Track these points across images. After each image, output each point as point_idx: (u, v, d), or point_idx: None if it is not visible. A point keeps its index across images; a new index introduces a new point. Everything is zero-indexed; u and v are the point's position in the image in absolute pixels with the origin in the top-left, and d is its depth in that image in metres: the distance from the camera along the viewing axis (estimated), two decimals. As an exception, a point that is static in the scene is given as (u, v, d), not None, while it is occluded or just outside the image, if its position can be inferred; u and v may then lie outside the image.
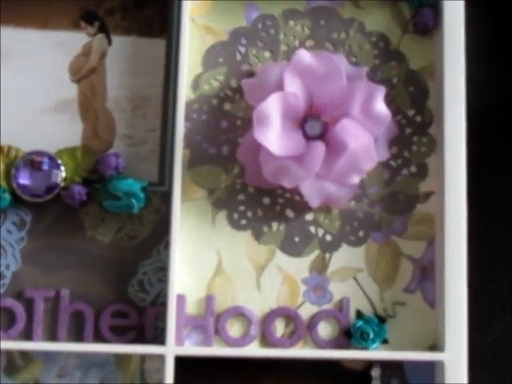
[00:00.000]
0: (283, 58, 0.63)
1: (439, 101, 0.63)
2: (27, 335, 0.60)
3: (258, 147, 0.59)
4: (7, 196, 0.60)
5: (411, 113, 0.63)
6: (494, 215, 0.71)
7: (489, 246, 0.70)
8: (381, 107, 0.59)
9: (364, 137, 0.59)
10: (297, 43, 0.64)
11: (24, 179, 0.60)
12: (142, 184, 0.60)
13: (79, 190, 0.60)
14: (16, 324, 0.60)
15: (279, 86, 0.60)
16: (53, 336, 0.60)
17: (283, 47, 0.64)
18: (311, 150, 0.59)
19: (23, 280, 0.61)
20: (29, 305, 0.60)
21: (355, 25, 0.64)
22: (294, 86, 0.60)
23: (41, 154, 0.60)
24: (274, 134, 0.58)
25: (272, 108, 0.58)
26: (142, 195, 0.60)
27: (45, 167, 0.60)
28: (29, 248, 0.61)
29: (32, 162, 0.60)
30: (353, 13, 0.64)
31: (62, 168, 0.60)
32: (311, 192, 0.60)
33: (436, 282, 0.61)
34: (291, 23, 0.64)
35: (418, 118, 0.63)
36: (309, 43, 0.64)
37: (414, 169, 0.63)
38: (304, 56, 0.60)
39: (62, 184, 0.60)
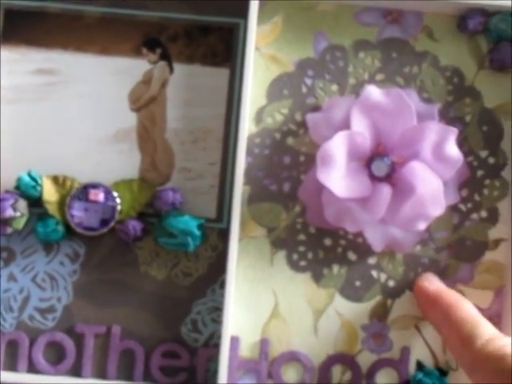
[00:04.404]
0: (351, 92, 0.60)
1: (515, 142, 0.60)
2: (76, 371, 0.58)
3: (320, 187, 0.56)
4: (61, 228, 0.58)
5: (484, 154, 0.60)
6: None
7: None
8: (453, 150, 0.56)
9: (433, 181, 0.56)
10: (366, 76, 0.61)
11: (78, 211, 0.58)
12: (198, 222, 0.58)
13: (134, 226, 0.58)
14: (65, 359, 0.58)
15: (346, 123, 0.57)
16: (102, 373, 0.58)
17: (351, 80, 0.61)
18: (377, 193, 0.56)
19: (74, 314, 0.59)
20: (79, 340, 0.59)
21: (428, 58, 0.61)
22: (361, 123, 0.57)
23: (96, 186, 0.58)
24: (338, 175, 0.56)
25: (337, 148, 0.56)
26: (198, 233, 0.58)
27: (100, 200, 0.58)
28: (81, 281, 0.59)
29: (87, 193, 0.58)
30: (426, 45, 0.61)
31: (118, 201, 0.58)
32: (375, 236, 0.58)
33: (502, 335, 0.58)
34: (361, 55, 0.61)
35: (491, 160, 0.60)
36: (379, 77, 0.61)
37: (484, 214, 0.60)
38: (373, 92, 0.57)
39: (117, 217, 0.58)
